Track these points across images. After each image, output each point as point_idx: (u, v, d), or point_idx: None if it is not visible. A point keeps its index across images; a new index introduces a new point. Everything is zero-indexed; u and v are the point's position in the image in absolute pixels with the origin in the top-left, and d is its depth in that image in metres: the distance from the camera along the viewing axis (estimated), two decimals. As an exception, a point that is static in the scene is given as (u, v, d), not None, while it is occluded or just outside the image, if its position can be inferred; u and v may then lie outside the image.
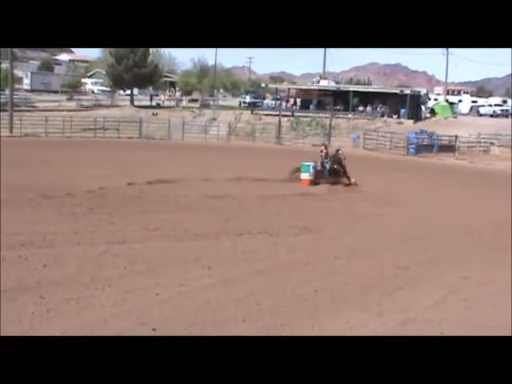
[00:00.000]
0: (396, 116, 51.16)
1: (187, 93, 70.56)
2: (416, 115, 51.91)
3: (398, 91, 56.29)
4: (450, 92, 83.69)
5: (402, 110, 51.32)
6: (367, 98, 53.94)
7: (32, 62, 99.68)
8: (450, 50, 67.86)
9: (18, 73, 63.64)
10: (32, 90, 63.41)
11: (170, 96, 66.05)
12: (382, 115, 51.43)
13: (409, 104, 51.48)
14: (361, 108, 53.48)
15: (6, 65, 56.15)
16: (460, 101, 67.82)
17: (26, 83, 66.92)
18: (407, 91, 55.41)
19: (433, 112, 54.70)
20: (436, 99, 65.32)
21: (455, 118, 53.36)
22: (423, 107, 56.54)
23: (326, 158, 23.31)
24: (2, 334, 6.35)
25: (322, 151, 23.82)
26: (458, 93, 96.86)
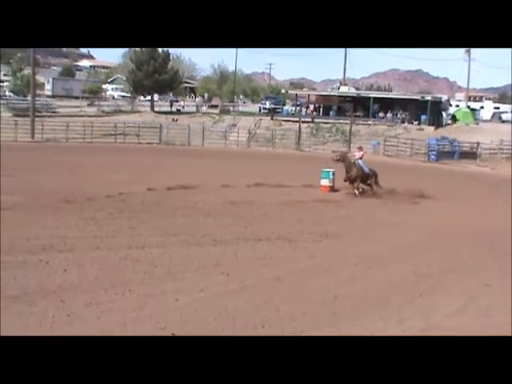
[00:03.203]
0: (417, 122, 50.81)
1: (208, 99, 70.69)
2: (437, 122, 51.52)
3: (418, 97, 55.89)
4: (472, 98, 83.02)
5: (423, 117, 50.93)
6: (388, 105, 53.65)
7: (54, 67, 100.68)
8: (472, 55, 67.43)
9: (40, 79, 64.18)
10: (53, 96, 63.96)
11: (203, 101, 66.32)
12: (403, 121, 51.12)
13: (430, 110, 51.06)
14: (381, 114, 53.17)
15: (28, 71, 56.74)
16: (482, 107, 67.17)
17: (48, 89, 67.54)
18: (428, 97, 54.98)
19: (454, 118, 54.25)
20: (457, 105, 64.69)
21: (477, 124, 52.85)
22: (444, 113, 56.04)
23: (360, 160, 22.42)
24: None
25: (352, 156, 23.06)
26: (480, 99, 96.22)
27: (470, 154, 41.42)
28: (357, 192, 21.64)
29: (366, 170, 22.10)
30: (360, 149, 23.51)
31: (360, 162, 22.25)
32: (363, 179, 22.06)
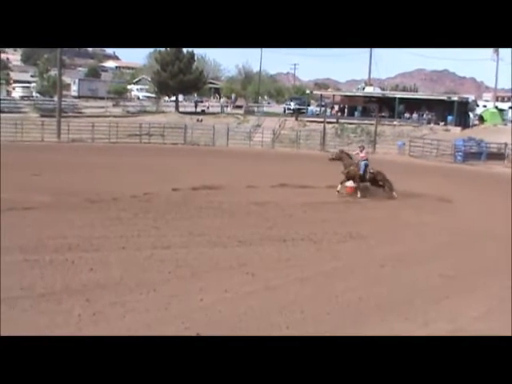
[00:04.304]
0: (443, 123, 50.36)
1: (235, 99, 70.70)
2: (464, 122, 51.01)
3: (445, 98, 55.37)
4: (500, 98, 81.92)
5: (449, 117, 50.46)
6: (413, 105, 53.23)
7: (79, 68, 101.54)
8: (500, 55, 66.65)
9: (66, 79, 64.68)
10: (79, 97, 64.51)
11: (227, 102, 66.40)
12: (429, 122, 50.68)
13: (456, 111, 50.57)
14: (407, 115, 52.78)
15: (54, 72, 57.31)
16: (510, 107, 66.31)
17: (74, 90, 68.07)
18: (454, 98, 54.48)
19: (481, 119, 53.64)
20: (485, 106, 63.75)
21: (505, 125, 52.08)
22: (471, 114, 55.43)
23: (364, 161, 22.07)
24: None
25: (357, 154, 22.66)
26: (509, 99, 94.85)
27: (498, 155, 40.90)
28: (359, 193, 21.44)
29: (362, 170, 21.78)
30: (362, 148, 23.24)
31: (362, 162, 21.98)
32: (360, 178, 21.81)
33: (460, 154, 41.23)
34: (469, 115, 54.40)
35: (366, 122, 49.68)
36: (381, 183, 21.88)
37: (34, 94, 63.71)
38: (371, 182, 21.97)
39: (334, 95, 65.62)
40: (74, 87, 68.36)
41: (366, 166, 21.90)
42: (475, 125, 52.51)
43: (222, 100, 69.44)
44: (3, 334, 6.28)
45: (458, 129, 48.66)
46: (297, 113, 56.22)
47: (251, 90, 79.54)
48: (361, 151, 22.56)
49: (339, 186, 21.33)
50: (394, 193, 21.41)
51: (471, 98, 61.88)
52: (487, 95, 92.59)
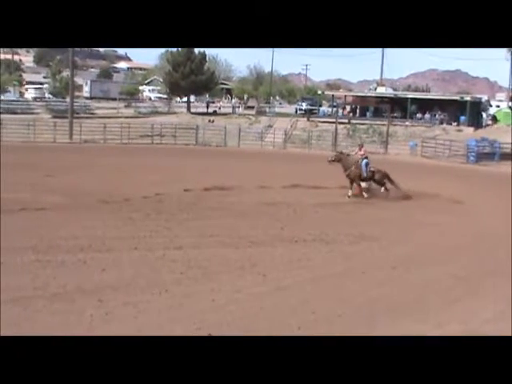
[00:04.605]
0: (455, 123, 50.11)
1: (246, 100, 70.73)
2: (476, 122, 50.71)
3: (457, 98, 55.07)
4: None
5: (462, 118, 50.16)
6: (425, 105, 53.00)
7: (91, 70, 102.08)
8: (513, 55, 66.05)
9: (78, 80, 65.14)
10: (91, 98, 64.87)
11: (240, 103, 66.39)
12: (441, 122, 50.45)
13: (469, 111, 50.28)
14: (419, 115, 52.59)
15: (66, 73, 57.61)
16: (524, 107, 65.83)
17: (86, 91, 68.53)
18: (467, 98, 54.13)
19: (494, 119, 53.29)
20: (498, 106, 63.24)
21: (518, 125, 51.88)
22: (484, 114, 55.10)
23: (364, 159, 21.79)
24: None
25: (356, 153, 22.58)
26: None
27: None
28: (365, 194, 21.32)
29: (364, 170, 21.60)
30: (361, 146, 23.13)
31: (363, 162, 21.72)
32: (361, 178, 21.67)
33: (473, 154, 40.97)
34: (482, 115, 54.05)
35: (377, 122, 49.50)
36: (379, 181, 21.74)
37: (46, 95, 64.21)
38: (371, 181, 21.87)
39: (345, 96, 65.39)
40: (86, 88, 68.80)
41: (367, 164, 21.78)
42: (488, 125, 52.17)
43: (233, 101, 69.53)
44: (19, 334, 6.30)
45: (471, 129, 48.37)
46: (308, 113, 56.15)
47: (263, 91, 79.60)
48: (360, 149, 22.49)
49: (350, 192, 21.18)
50: (383, 188, 21.42)
51: (484, 97, 61.45)
52: (500, 95, 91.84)
